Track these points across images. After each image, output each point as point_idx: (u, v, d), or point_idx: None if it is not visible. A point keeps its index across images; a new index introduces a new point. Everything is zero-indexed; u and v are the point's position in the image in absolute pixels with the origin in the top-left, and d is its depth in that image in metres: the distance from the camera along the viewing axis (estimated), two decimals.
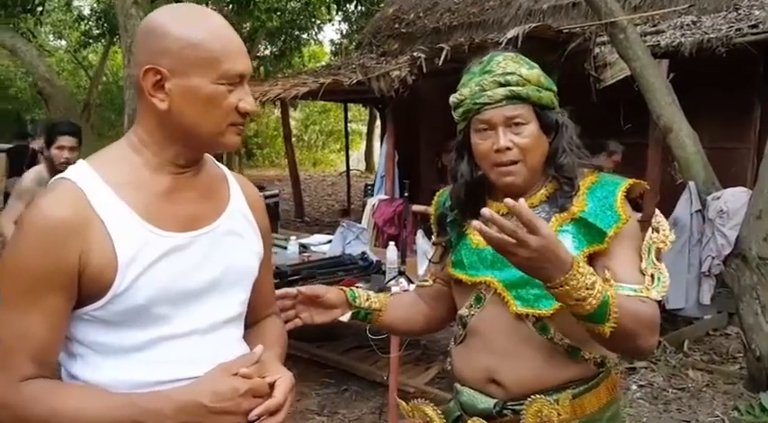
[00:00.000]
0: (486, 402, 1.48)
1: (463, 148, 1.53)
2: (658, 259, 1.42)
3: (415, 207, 4.78)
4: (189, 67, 1.16)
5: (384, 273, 3.98)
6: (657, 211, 1.49)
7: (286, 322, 1.56)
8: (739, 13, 6.41)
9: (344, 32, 17.88)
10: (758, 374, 4.17)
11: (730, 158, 6.00)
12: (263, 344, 1.36)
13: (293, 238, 4.68)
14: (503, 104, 1.42)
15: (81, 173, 1.20)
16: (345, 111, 12.23)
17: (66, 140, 3.75)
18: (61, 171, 1.25)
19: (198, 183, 1.29)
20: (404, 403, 1.65)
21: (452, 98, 1.50)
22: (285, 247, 4.57)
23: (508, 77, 1.42)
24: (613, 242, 1.40)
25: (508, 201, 1.19)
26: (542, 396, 1.41)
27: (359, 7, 15.40)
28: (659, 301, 1.39)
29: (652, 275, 1.39)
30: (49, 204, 1.15)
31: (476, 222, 1.21)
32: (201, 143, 1.23)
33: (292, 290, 1.58)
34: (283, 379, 1.25)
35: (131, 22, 6.82)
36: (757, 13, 6.23)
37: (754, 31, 5.80)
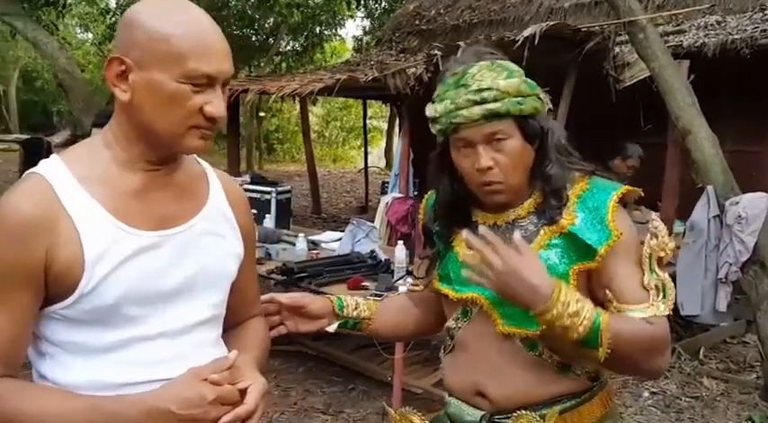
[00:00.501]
0: (472, 415, 1.44)
1: (443, 159, 1.44)
2: (660, 267, 1.35)
3: None
4: (153, 60, 1.12)
5: (392, 272, 3.94)
6: (654, 216, 1.40)
7: (270, 329, 1.52)
8: (765, 14, 6.26)
9: (367, 29, 17.84)
10: None
11: (751, 163, 5.86)
12: (242, 346, 1.33)
13: (302, 235, 4.64)
14: (480, 123, 1.31)
15: (51, 167, 1.17)
16: (365, 107, 12.19)
17: None
18: None
19: (173, 181, 1.25)
20: (392, 411, 1.62)
21: (428, 111, 1.39)
22: (293, 244, 4.53)
23: (484, 94, 1.30)
24: (607, 260, 1.33)
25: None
26: (529, 412, 1.36)
27: (381, 3, 15.36)
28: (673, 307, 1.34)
29: (656, 286, 1.33)
30: (15, 199, 1.13)
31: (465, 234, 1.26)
32: (160, 142, 1.18)
33: (279, 295, 1.54)
34: (255, 385, 1.21)
35: None
36: None
37: None
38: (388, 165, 18.95)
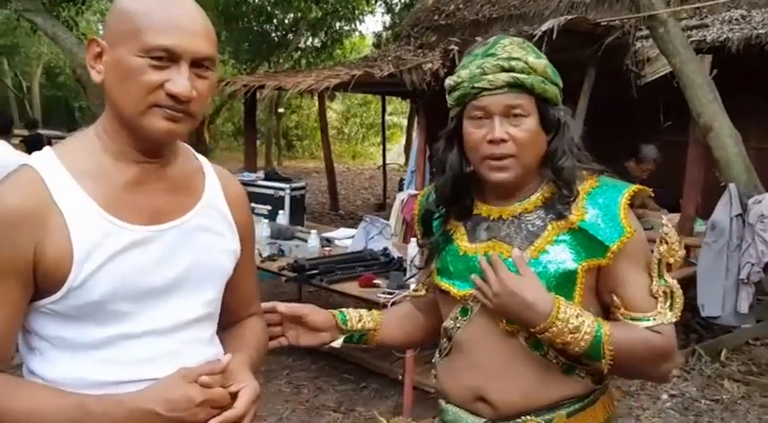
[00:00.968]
0: (473, 422, 1.38)
1: (454, 136, 1.39)
2: (669, 273, 1.32)
3: None
4: (118, 38, 1.10)
5: (405, 270, 3.89)
6: (665, 220, 1.36)
7: (271, 339, 1.48)
8: None
9: (386, 24, 17.79)
10: None
11: None
12: (238, 346, 1.30)
13: (314, 231, 4.61)
14: (503, 91, 1.28)
15: (43, 160, 1.15)
16: (383, 103, 12.15)
17: None
18: None
19: (167, 174, 1.22)
20: (383, 420, 1.59)
21: (448, 81, 1.36)
22: (306, 241, 4.50)
23: (513, 63, 1.28)
24: (618, 260, 1.29)
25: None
26: (534, 417, 1.32)
27: None
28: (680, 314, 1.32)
29: (664, 293, 1.30)
30: (6, 191, 1.11)
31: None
32: (127, 123, 1.13)
33: (279, 305, 1.50)
34: (247, 389, 1.17)
35: None
36: None
37: None
38: (408, 161, 18.89)
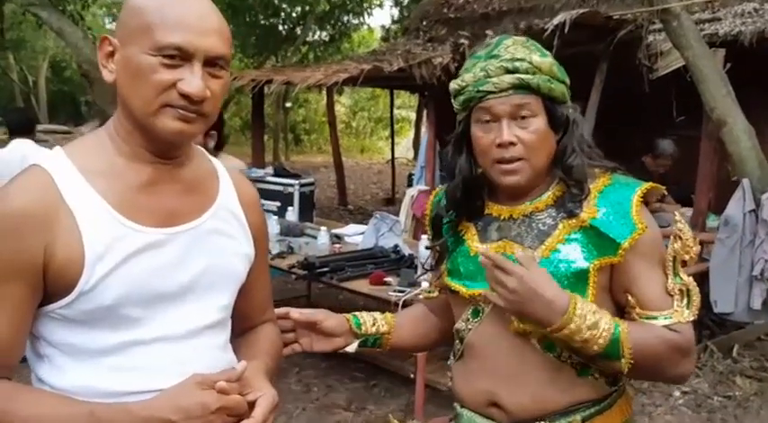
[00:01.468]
0: None
1: (462, 141, 1.38)
2: (684, 270, 1.30)
3: None
4: (128, 35, 1.08)
5: (416, 267, 3.86)
6: (678, 216, 1.34)
7: (285, 346, 1.46)
8: None
9: (395, 18, 17.71)
10: None
11: None
12: (253, 354, 1.27)
13: (324, 228, 4.58)
14: (509, 94, 1.26)
15: (54, 159, 1.12)
16: (392, 97, 12.11)
17: None
18: None
19: (181, 176, 1.19)
20: (395, 421, 1.57)
21: (453, 84, 1.35)
22: (316, 238, 4.47)
23: (517, 64, 1.26)
24: (630, 257, 1.26)
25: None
26: (548, 422, 1.29)
27: None
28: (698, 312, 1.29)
29: (681, 291, 1.27)
30: (15, 191, 1.08)
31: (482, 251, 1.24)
32: (139, 123, 1.11)
33: (292, 311, 1.48)
34: (265, 397, 1.14)
35: None
36: None
37: None
38: (416, 156, 18.85)
